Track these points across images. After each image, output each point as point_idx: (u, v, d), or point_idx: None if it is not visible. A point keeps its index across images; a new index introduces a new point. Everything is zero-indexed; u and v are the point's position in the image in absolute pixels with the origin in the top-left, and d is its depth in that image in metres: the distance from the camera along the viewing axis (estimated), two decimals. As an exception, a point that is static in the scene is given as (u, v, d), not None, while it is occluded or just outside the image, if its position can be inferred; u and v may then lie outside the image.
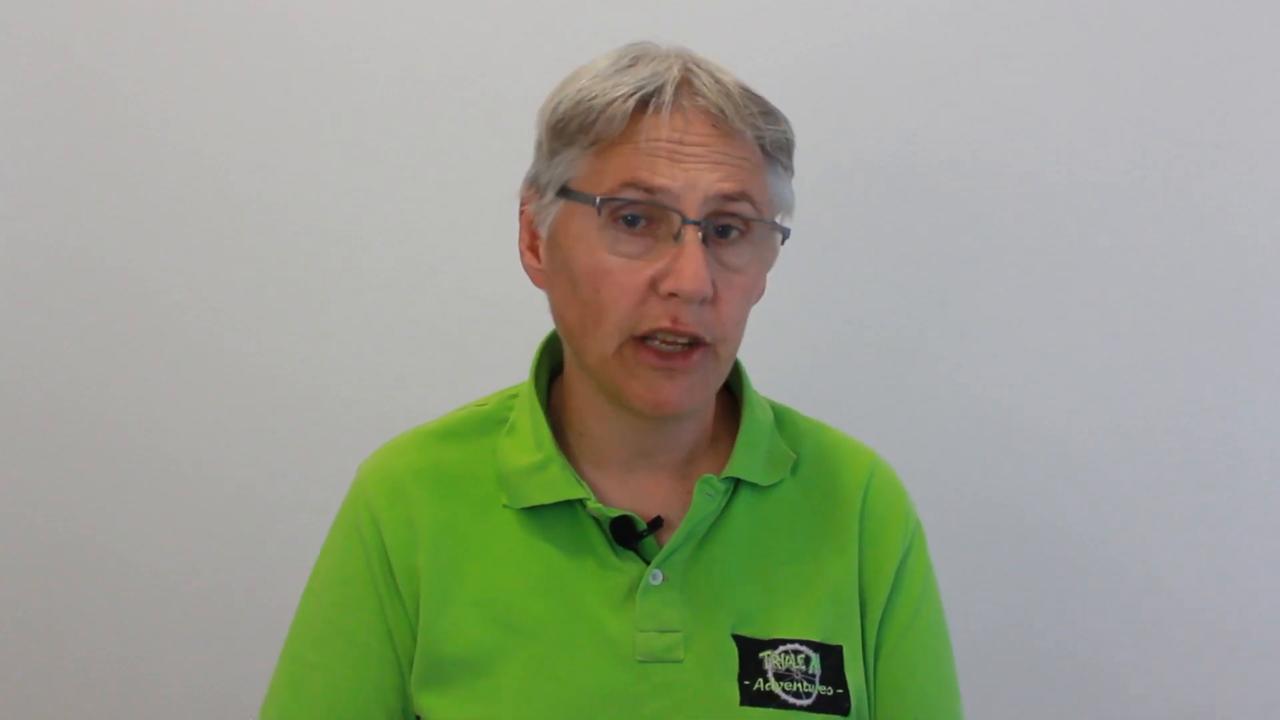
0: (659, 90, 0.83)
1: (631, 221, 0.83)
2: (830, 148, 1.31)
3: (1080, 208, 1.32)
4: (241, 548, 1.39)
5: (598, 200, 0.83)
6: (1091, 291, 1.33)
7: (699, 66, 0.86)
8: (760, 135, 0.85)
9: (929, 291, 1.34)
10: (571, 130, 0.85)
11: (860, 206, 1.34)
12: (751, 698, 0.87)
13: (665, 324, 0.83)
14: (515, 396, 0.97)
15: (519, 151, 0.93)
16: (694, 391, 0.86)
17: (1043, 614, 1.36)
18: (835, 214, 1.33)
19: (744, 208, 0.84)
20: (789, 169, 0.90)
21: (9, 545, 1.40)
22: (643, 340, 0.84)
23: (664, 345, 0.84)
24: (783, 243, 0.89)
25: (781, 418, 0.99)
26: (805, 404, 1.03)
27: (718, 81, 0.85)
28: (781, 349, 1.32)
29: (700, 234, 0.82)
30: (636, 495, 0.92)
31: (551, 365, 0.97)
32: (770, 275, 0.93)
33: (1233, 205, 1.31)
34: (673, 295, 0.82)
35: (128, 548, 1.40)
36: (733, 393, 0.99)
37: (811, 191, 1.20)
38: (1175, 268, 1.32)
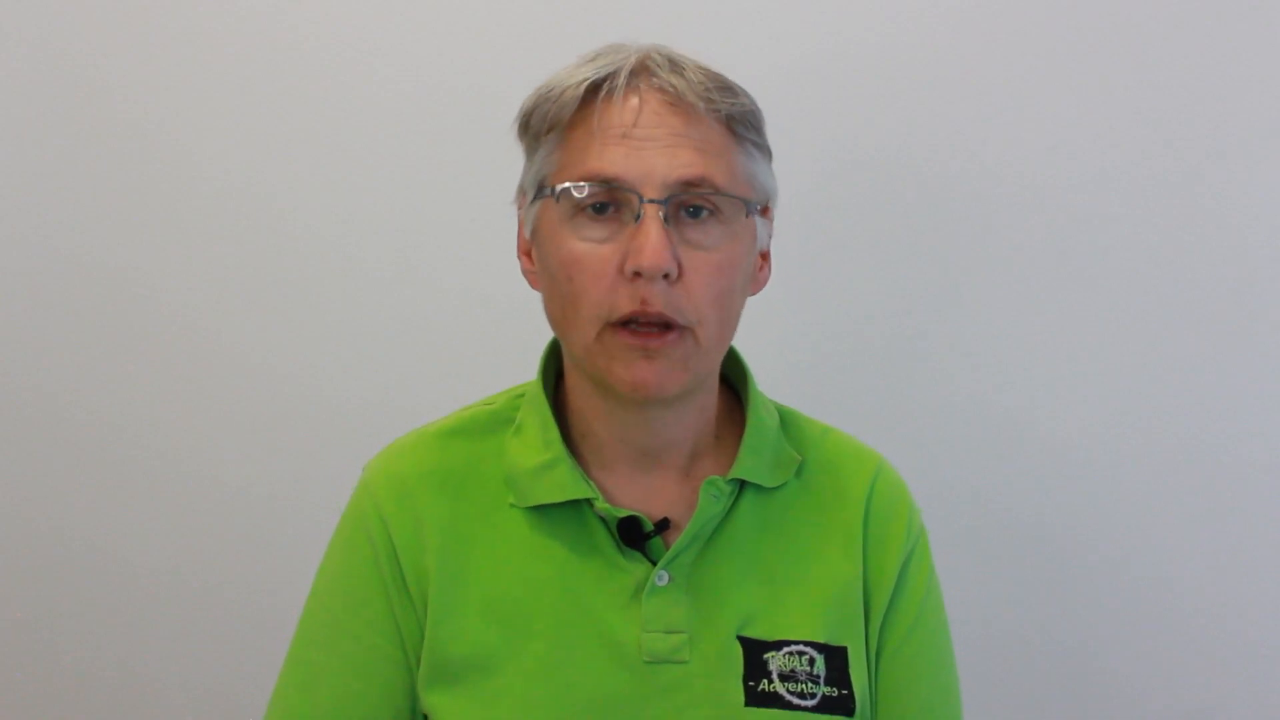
0: (612, 75, 0.84)
1: (598, 209, 0.84)
2: (830, 148, 1.31)
3: (1080, 208, 1.32)
4: (241, 548, 1.39)
5: (554, 190, 0.85)
6: (1091, 292, 1.33)
7: (659, 54, 0.86)
8: (717, 109, 0.84)
9: (928, 292, 1.34)
10: (535, 125, 0.87)
11: (860, 207, 1.33)
12: (756, 698, 0.87)
13: (635, 308, 0.83)
14: (522, 396, 0.97)
15: (520, 153, 0.94)
16: (672, 373, 0.85)
17: (1042, 614, 1.36)
18: (835, 214, 1.33)
19: (706, 189, 0.84)
20: (762, 148, 0.90)
21: (9, 545, 1.40)
22: (620, 325, 0.84)
23: (639, 326, 0.84)
24: (748, 214, 0.87)
25: (787, 420, 0.99)
26: (804, 404, 1.03)
27: (674, 63, 0.85)
28: (780, 349, 1.32)
29: (661, 212, 0.82)
30: (643, 496, 0.92)
31: (558, 366, 0.97)
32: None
33: (1233, 205, 1.31)
34: (637, 275, 0.82)
35: (128, 548, 1.40)
36: (737, 394, 0.99)
37: (811, 191, 1.20)
38: (1175, 267, 1.32)
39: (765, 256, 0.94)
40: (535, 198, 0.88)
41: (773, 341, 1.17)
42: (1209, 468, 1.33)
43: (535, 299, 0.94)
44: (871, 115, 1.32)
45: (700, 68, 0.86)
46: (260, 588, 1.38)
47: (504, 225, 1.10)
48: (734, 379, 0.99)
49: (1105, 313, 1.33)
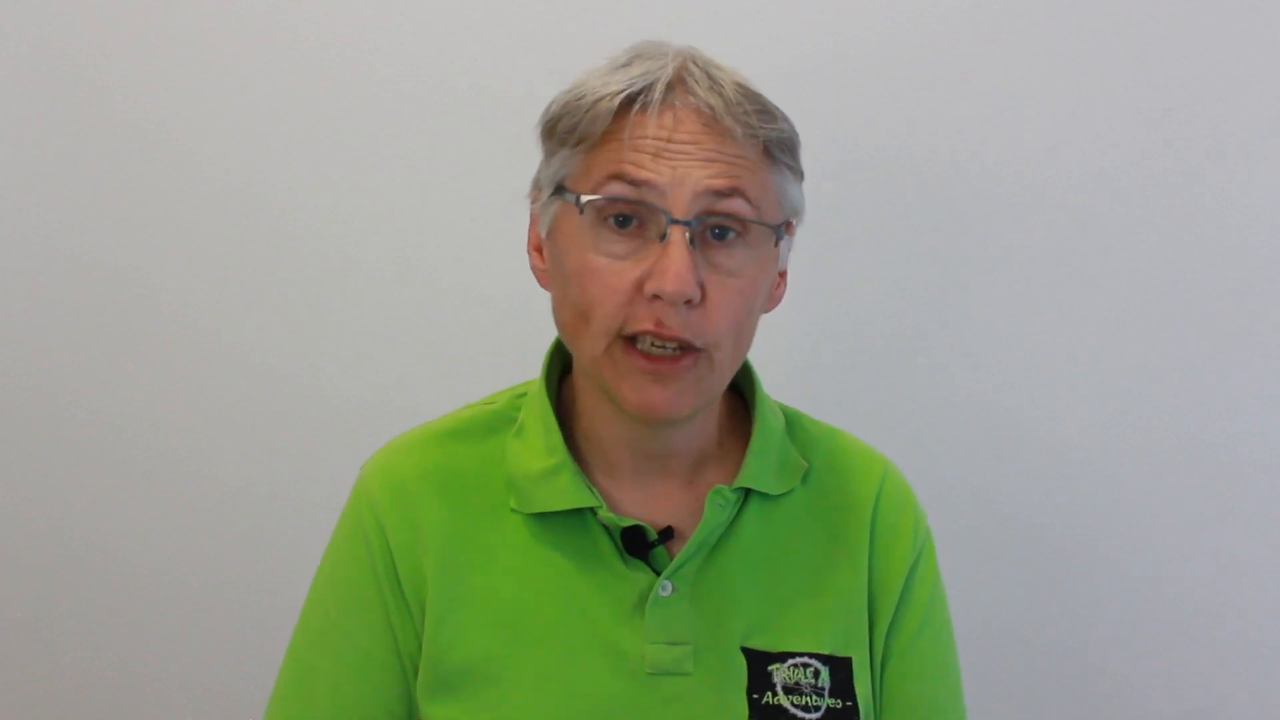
0: (648, 89, 0.81)
1: (621, 222, 0.81)
2: (830, 148, 1.31)
3: (1080, 208, 1.32)
4: (241, 548, 1.39)
5: (580, 200, 0.82)
6: (1091, 292, 1.33)
7: (696, 65, 0.83)
8: (755, 133, 0.82)
9: (928, 292, 1.34)
10: (562, 130, 0.84)
11: (860, 207, 1.33)
12: (760, 712, 0.86)
13: (649, 326, 0.80)
14: (523, 396, 0.95)
15: (521, 153, 0.93)
16: (684, 398, 0.83)
17: (1042, 614, 1.36)
18: (835, 214, 1.33)
19: (738, 205, 0.82)
20: (795, 170, 0.87)
21: (9, 545, 1.40)
22: (631, 341, 0.82)
23: (652, 348, 0.81)
24: (777, 243, 0.86)
25: (793, 423, 0.98)
26: (804, 405, 1.03)
27: (712, 79, 0.82)
28: (780, 349, 1.32)
29: (687, 234, 0.80)
30: (647, 503, 0.90)
31: (562, 365, 0.95)
32: (772, 275, 0.92)
33: (1233, 205, 1.31)
34: (656, 297, 0.80)
35: (128, 548, 1.40)
36: (743, 397, 0.98)
37: (811, 191, 1.20)
38: (1175, 267, 1.32)
39: (783, 275, 0.92)
40: (553, 195, 0.86)
41: (772, 342, 1.16)
42: (1209, 468, 1.33)
43: (535, 299, 0.93)
44: (871, 115, 1.32)
45: (738, 85, 0.83)
46: (260, 588, 1.38)
47: (504, 225, 1.11)
48: (740, 382, 0.97)
49: (1105, 313, 1.33)
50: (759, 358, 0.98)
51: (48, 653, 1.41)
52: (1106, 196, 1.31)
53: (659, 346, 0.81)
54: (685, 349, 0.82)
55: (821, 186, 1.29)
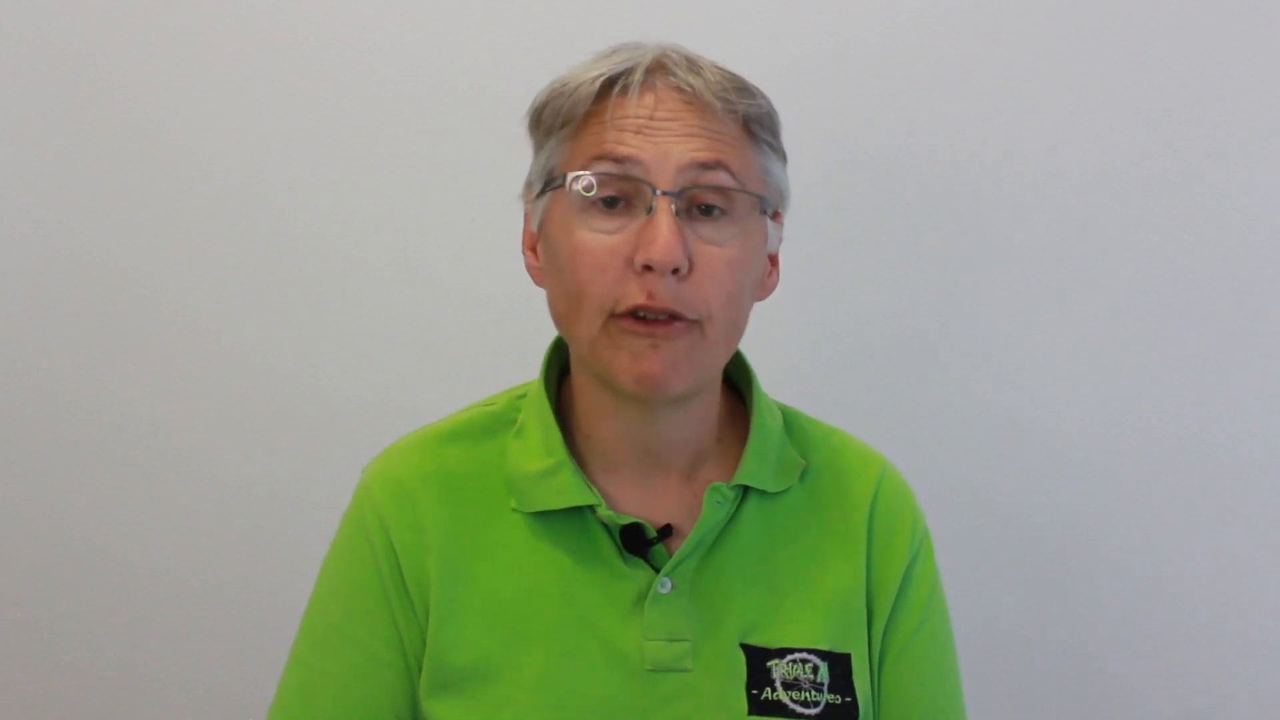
0: (628, 72, 0.84)
1: (609, 202, 0.83)
2: (829, 148, 1.31)
3: (1080, 208, 1.32)
4: (241, 548, 1.39)
5: (567, 178, 0.83)
6: (1091, 292, 1.33)
7: (678, 53, 0.86)
8: (734, 109, 0.84)
9: (928, 292, 1.34)
10: (547, 119, 0.86)
11: (860, 207, 1.34)
12: (760, 707, 0.86)
13: (641, 300, 0.81)
14: (523, 397, 0.96)
15: (520, 153, 0.93)
16: (679, 367, 0.83)
17: (1042, 614, 1.36)
18: (834, 214, 1.33)
19: (722, 177, 0.83)
20: (777, 149, 0.89)
21: (9, 545, 1.40)
22: (624, 315, 0.83)
23: (646, 314, 0.82)
24: (764, 212, 0.87)
25: (791, 422, 0.98)
26: (804, 405, 1.03)
27: (691, 62, 0.85)
28: (779, 349, 1.32)
29: (673, 205, 0.81)
30: (646, 501, 0.91)
31: (561, 366, 0.96)
32: (771, 275, 0.93)
33: (1233, 205, 1.31)
34: (647, 268, 0.81)
35: (128, 548, 1.40)
36: (741, 396, 0.98)
37: (810, 191, 1.20)
38: (1175, 267, 1.32)
39: (774, 260, 0.93)
40: (543, 190, 0.87)
41: (772, 341, 1.17)
42: (1209, 468, 1.33)
43: (535, 299, 0.94)
44: (871, 115, 1.32)
45: (718, 68, 0.85)
46: (260, 588, 1.38)
47: (504, 225, 1.10)
48: (738, 380, 0.98)
49: (1105, 313, 1.33)
50: (757, 357, 0.98)
51: (48, 653, 1.41)
52: (1106, 196, 1.31)
53: (651, 315, 0.83)
54: (676, 317, 0.83)
55: (821, 186, 1.30)
